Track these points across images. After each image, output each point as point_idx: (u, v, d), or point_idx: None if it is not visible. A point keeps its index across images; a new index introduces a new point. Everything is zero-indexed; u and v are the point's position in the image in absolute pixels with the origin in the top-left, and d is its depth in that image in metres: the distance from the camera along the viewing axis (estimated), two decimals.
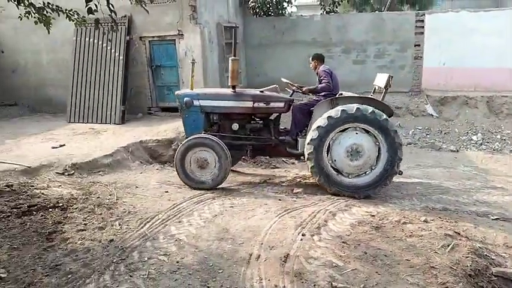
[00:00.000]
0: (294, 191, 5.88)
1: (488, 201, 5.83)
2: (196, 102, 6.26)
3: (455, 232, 4.26)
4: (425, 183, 6.75)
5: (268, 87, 6.52)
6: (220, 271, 3.55)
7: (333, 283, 3.33)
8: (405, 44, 12.05)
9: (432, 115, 11.06)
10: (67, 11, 5.48)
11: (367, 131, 5.58)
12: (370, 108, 5.47)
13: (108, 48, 9.83)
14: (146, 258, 3.74)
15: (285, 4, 13.98)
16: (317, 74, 6.37)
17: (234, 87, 6.20)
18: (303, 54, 12.65)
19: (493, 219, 4.99)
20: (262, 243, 4.05)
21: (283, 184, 6.40)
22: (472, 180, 7.09)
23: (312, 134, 5.62)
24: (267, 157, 7.55)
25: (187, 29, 9.70)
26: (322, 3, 13.82)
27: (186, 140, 6.06)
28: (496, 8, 13.16)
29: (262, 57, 12.91)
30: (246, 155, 6.57)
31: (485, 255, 3.86)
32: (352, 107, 5.47)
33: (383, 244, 4.03)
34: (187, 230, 4.38)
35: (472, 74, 11.81)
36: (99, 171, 6.59)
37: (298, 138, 6.12)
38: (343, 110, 5.48)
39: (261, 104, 6.18)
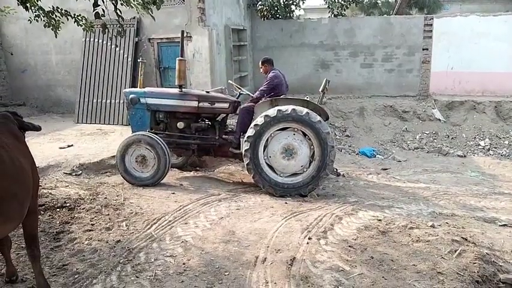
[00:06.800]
0: None
1: (496, 207, 5.79)
2: (142, 100, 6.45)
3: (463, 238, 4.23)
4: (433, 188, 6.72)
5: (215, 88, 6.80)
6: (227, 273, 3.55)
7: (339, 287, 3.32)
8: (413, 48, 12.00)
9: (439, 120, 11.00)
10: (75, 16, 5.53)
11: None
12: (305, 110, 5.65)
13: (117, 49, 9.90)
14: (153, 260, 3.76)
15: (293, 7, 13.98)
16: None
17: (180, 86, 6.42)
18: (311, 57, 12.72)
19: (500, 225, 4.95)
20: (268, 246, 4.05)
21: None
22: (479, 186, 7.04)
23: (249, 131, 5.81)
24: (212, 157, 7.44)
25: (196, 31, 9.74)
26: (330, 7, 13.77)
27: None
28: (506, 12, 13.05)
29: None
30: (192, 154, 6.79)
31: (493, 261, 3.82)
32: (288, 108, 5.65)
33: (389, 249, 4.01)
34: (193, 232, 4.39)
35: (480, 78, 11.73)
36: (107, 172, 6.64)
37: (241, 139, 6.21)
38: (279, 110, 5.68)
39: (206, 104, 6.37)
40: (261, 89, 6.34)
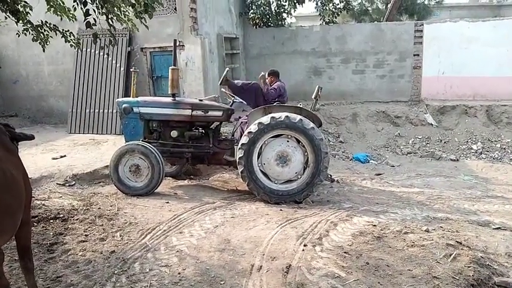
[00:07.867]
0: None
1: (490, 210, 5.82)
2: (136, 109, 6.45)
3: (457, 242, 4.25)
4: (426, 192, 6.75)
5: (208, 97, 6.86)
6: (222, 282, 3.53)
7: None
8: (404, 54, 12.11)
9: (432, 124, 11.08)
10: (64, 31, 5.54)
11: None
12: (298, 117, 5.69)
13: (109, 59, 9.90)
14: (147, 270, 3.73)
15: (285, 15, 14.09)
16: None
17: (173, 95, 6.43)
18: (303, 64, 12.80)
19: (494, 229, 4.98)
20: (263, 254, 4.04)
21: None
22: (472, 190, 7.08)
23: (243, 139, 5.82)
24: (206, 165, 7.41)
25: (188, 40, 9.78)
26: (322, 14, 13.90)
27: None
28: (494, 17, 13.24)
29: (262, 67, 12.79)
30: (186, 163, 6.82)
31: (488, 264, 3.84)
32: (281, 115, 5.68)
33: (385, 254, 4.01)
34: (188, 241, 4.37)
35: (471, 83, 11.85)
36: (100, 182, 6.60)
37: (235, 147, 6.22)
38: (273, 117, 5.70)
39: (199, 113, 6.38)
40: (273, 87, 6.55)
